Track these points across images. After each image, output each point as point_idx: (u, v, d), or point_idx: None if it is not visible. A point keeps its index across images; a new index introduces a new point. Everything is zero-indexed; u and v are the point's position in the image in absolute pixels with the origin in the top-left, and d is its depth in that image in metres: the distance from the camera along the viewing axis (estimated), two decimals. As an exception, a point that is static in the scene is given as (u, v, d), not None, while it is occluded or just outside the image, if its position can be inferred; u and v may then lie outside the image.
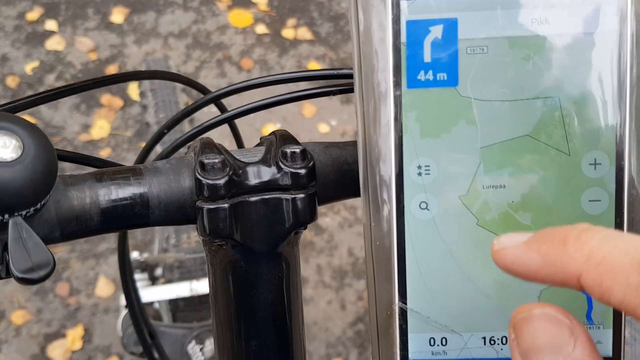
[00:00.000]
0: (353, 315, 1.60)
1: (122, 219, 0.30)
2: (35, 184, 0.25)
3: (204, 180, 0.30)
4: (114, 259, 1.64)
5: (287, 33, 2.01)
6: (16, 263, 0.24)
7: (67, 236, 0.29)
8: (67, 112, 1.86)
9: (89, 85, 0.38)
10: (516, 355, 0.22)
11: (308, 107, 1.84)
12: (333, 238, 1.70)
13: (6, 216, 0.25)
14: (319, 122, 1.83)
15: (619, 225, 0.28)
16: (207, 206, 0.30)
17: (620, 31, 0.27)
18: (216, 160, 0.30)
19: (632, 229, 0.28)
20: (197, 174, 0.30)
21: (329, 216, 1.71)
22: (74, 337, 1.53)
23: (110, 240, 1.66)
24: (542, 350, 0.21)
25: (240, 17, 2.03)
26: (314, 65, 1.94)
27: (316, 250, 1.67)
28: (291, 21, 2.04)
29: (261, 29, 2.02)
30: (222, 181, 0.30)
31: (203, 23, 2.04)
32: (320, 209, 0.32)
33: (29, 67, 1.93)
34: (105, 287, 1.60)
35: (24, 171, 0.25)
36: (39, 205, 0.26)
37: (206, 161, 0.30)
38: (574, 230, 0.21)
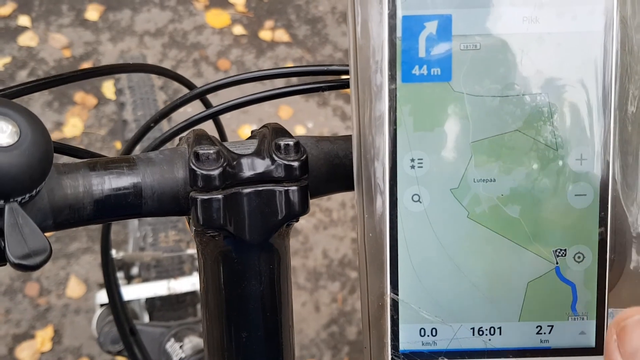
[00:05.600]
0: (327, 317, 1.61)
1: (115, 209, 0.30)
2: (32, 170, 0.25)
3: (199, 171, 0.30)
4: (85, 259, 1.61)
5: (265, 35, 2.01)
6: (12, 249, 0.24)
7: (60, 225, 0.29)
8: (39, 110, 1.82)
9: (76, 76, 0.38)
10: (616, 356, 0.23)
11: (284, 109, 1.84)
12: (308, 240, 1.70)
13: (1, 202, 0.25)
14: (296, 124, 1.83)
15: (602, 219, 0.29)
16: (201, 197, 0.30)
17: (605, 30, 0.28)
18: (211, 151, 0.30)
19: (615, 223, 0.29)
20: (191, 164, 0.30)
21: (304, 218, 1.71)
22: (44, 338, 1.50)
23: (81, 240, 1.64)
24: None
25: (217, 18, 2.02)
26: (291, 67, 1.94)
27: (291, 252, 1.67)
28: (269, 23, 2.04)
29: (238, 29, 2.01)
30: (216, 172, 0.30)
31: (180, 22, 2.02)
32: (311, 199, 0.33)
33: (1, 63, 1.90)
34: (77, 287, 1.58)
35: (21, 157, 0.24)
36: (34, 192, 0.26)
37: (201, 152, 0.30)
38: None
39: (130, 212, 0.30)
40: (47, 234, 0.28)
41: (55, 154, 0.38)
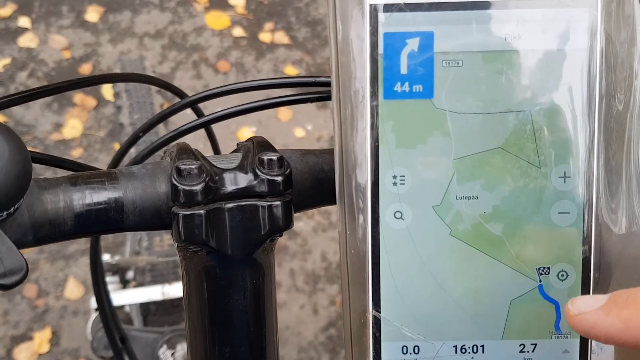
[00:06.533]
0: (325, 320, 1.61)
1: (96, 224, 0.30)
2: (8, 188, 0.25)
3: (180, 186, 0.30)
4: (83, 261, 1.61)
5: (264, 37, 2.01)
6: (-12, 268, 0.24)
7: (40, 240, 0.28)
8: (38, 111, 1.83)
9: (65, 87, 0.38)
10: None
11: (284, 112, 1.84)
12: (307, 242, 1.70)
13: (-22, 220, 0.25)
14: (295, 127, 1.83)
15: (586, 238, 0.29)
16: (182, 212, 0.30)
17: (590, 48, 0.28)
18: (193, 167, 0.30)
19: (600, 241, 0.29)
20: (173, 179, 0.30)
21: (303, 220, 1.71)
22: (42, 339, 1.50)
23: (80, 242, 1.64)
24: None
25: (217, 19, 2.02)
26: (290, 70, 1.95)
27: (289, 254, 1.67)
28: (268, 25, 2.04)
29: (238, 31, 2.01)
30: (198, 187, 0.30)
31: (180, 24, 2.02)
32: (295, 213, 0.32)
33: (1, 64, 1.90)
34: (75, 289, 1.58)
35: (-2, 175, 0.24)
36: (12, 210, 0.26)
37: (183, 167, 0.30)
38: None
39: (112, 227, 0.30)
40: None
41: (43, 165, 0.38)
